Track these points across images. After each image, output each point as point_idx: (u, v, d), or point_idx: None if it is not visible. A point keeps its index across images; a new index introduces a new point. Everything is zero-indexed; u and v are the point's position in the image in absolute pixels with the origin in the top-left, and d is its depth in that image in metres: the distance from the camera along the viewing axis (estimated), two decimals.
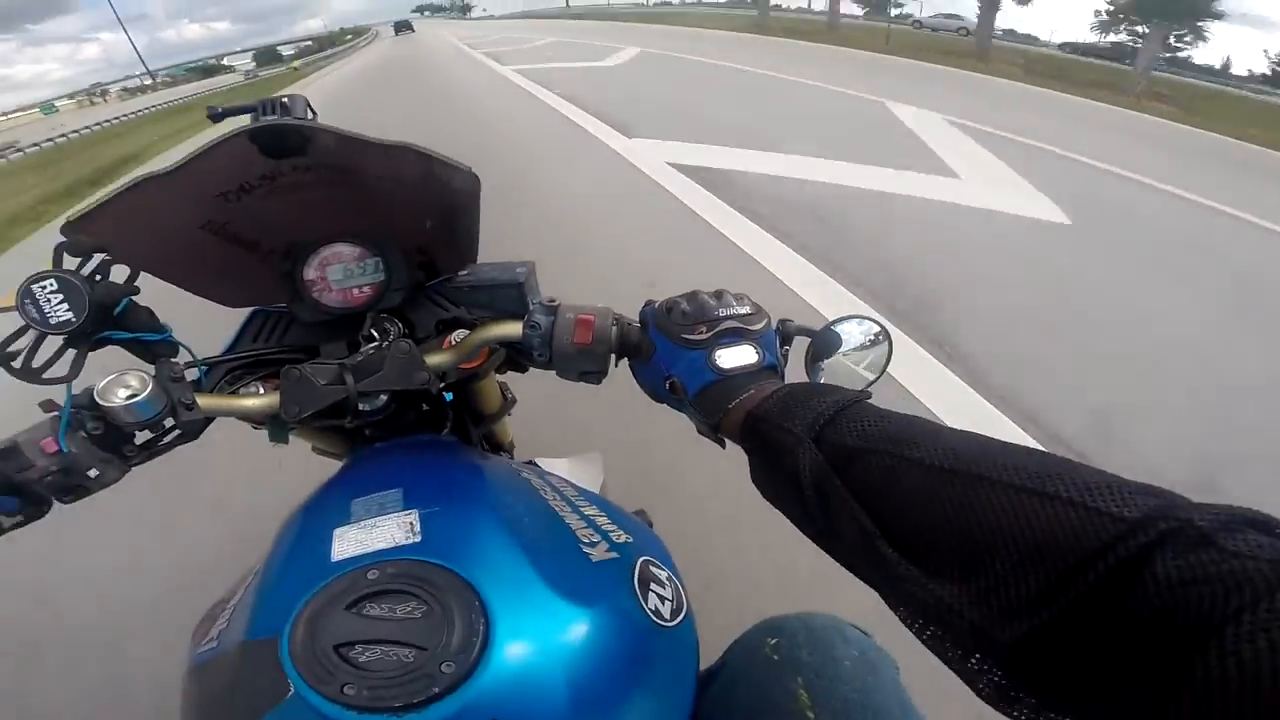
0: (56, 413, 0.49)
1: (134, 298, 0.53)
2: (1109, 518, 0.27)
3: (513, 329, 0.58)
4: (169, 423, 0.53)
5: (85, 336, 0.50)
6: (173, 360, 0.54)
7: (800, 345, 0.59)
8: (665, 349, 0.53)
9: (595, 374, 0.59)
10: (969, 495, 0.31)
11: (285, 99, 0.64)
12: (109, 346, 0.53)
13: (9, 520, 0.50)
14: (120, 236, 0.50)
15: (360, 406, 0.63)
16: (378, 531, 0.46)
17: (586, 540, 0.50)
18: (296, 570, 0.46)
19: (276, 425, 0.62)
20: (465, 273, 0.59)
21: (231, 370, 0.63)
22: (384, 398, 0.64)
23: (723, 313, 0.52)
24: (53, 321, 0.48)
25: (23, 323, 0.48)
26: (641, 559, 0.49)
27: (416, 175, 0.58)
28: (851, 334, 0.58)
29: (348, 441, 0.77)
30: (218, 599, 0.57)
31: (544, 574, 0.44)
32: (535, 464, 0.93)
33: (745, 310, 0.53)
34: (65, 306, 0.48)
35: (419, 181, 0.58)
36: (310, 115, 0.64)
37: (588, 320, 0.56)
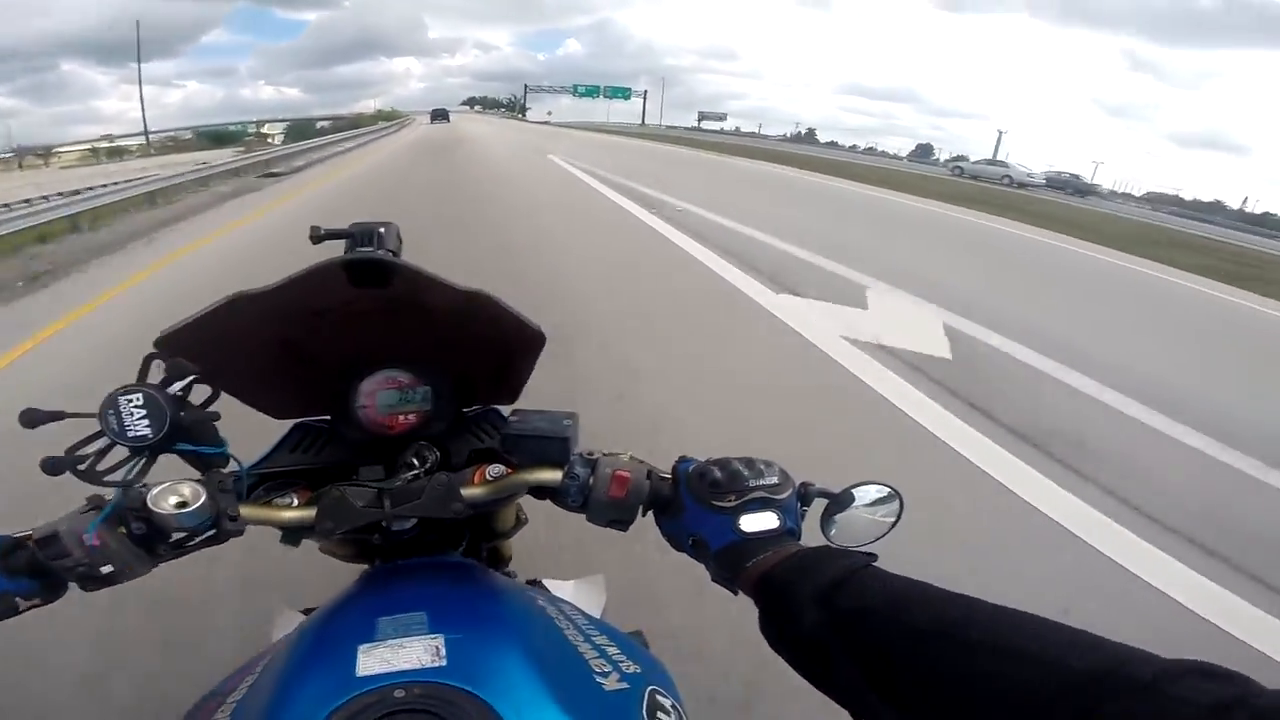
0: (99, 507, 0.50)
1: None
2: (1065, 671, 0.31)
3: (553, 476, 0.61)
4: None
5: (155, 448, 0.51)
6: (222, 470, 0.55)
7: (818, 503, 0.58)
8: (693, 511, 0.57)
9: (623, 523, 0.62)
10: (951, 656, 0.36)
11: (381, 229, 0.70)
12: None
13: (26, 603, 0.50)
14: (202, 350, 0.53)
15: (391, 527, 0.65)
16: (404, 652, 0.47)
17: (599, 670, 0.51)
18: (319, 681, 0.46)
19: (297, 534, 0.62)
20: (515, 419, 0.62)
21: (266, 479, 0.65)
22: (413, 520, 0.65)
23: (752, 483, 0.56)
24: (130, 435, 0.49)
25: (99, 429, 0.49)
26: (649, 688, 0.50)
27: (486, 320, 0.63)
28: (866, 493, 0.63)
29: (358, 546, 0.77)
30: (211, 689, 0.56)
31: (562, 704, 0.45)
32: (542, 584, 0.93)
33: (773, 480, 0.57)
34: (145, 422, 0.49)
35: (487, 326, 0.63)
36: (399, 244, 0.69)
37: (624, 477, 0.59)
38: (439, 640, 0.48)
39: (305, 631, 0.56)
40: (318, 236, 0.75)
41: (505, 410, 0.77)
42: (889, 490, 0.63)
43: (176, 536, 0.53)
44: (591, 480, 0.60)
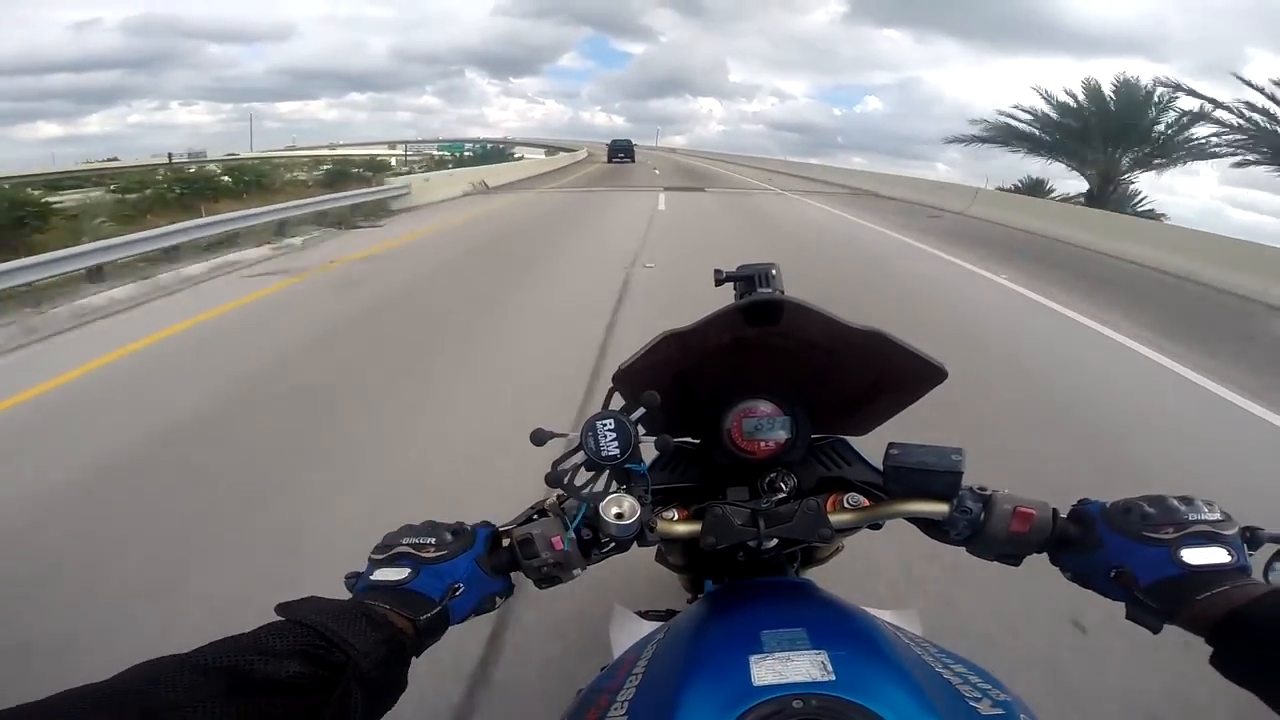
0: (556, 516, 0.60)
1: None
2: None
3: (937, 508, 0.61)
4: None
5: (615, 467, 0.60)
6: (640, 488, 0.61)
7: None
8: (1117, 544, 0.55)
9: (1015, 558, 0.61)
10: None
11: (773, 270, 0.77)
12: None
13: (500, 601, 0.61)
14: (635, 382, 0.61)
15: (762, 546, 0.70)
16: (793, 665, 0.49)
17: (969, 695, 0.50)
18: (719, 687, 0.49)
19: (658, 543, 0.67)
20: (896, 451, 0.63)
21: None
22: (776, 541, 0.69)
23: (1191, 517, 0.53)
24: (603, 455, 0.58)
25: (576, 448, 0.59)
26: (1023, 716, 0.48)
27: (878, 357, 0.65)
28: None
29: (691, 558, 0.84)
30: (589, 685, 0.62)
31: None
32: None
33: (1215, 516, 0.53)
34: (615, 444, 0.58)
35: (875, 361, 0.65)
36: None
37: (1027, 514, 0.58)
38: (823, 655, 0.49)
39: (688, 638, 0.60)
40: (720, 280, 0.84)
41: (851, 441, 0.79)
42: None
43: (605, 543, 0.60)
44: (984, 515, 0.60)
